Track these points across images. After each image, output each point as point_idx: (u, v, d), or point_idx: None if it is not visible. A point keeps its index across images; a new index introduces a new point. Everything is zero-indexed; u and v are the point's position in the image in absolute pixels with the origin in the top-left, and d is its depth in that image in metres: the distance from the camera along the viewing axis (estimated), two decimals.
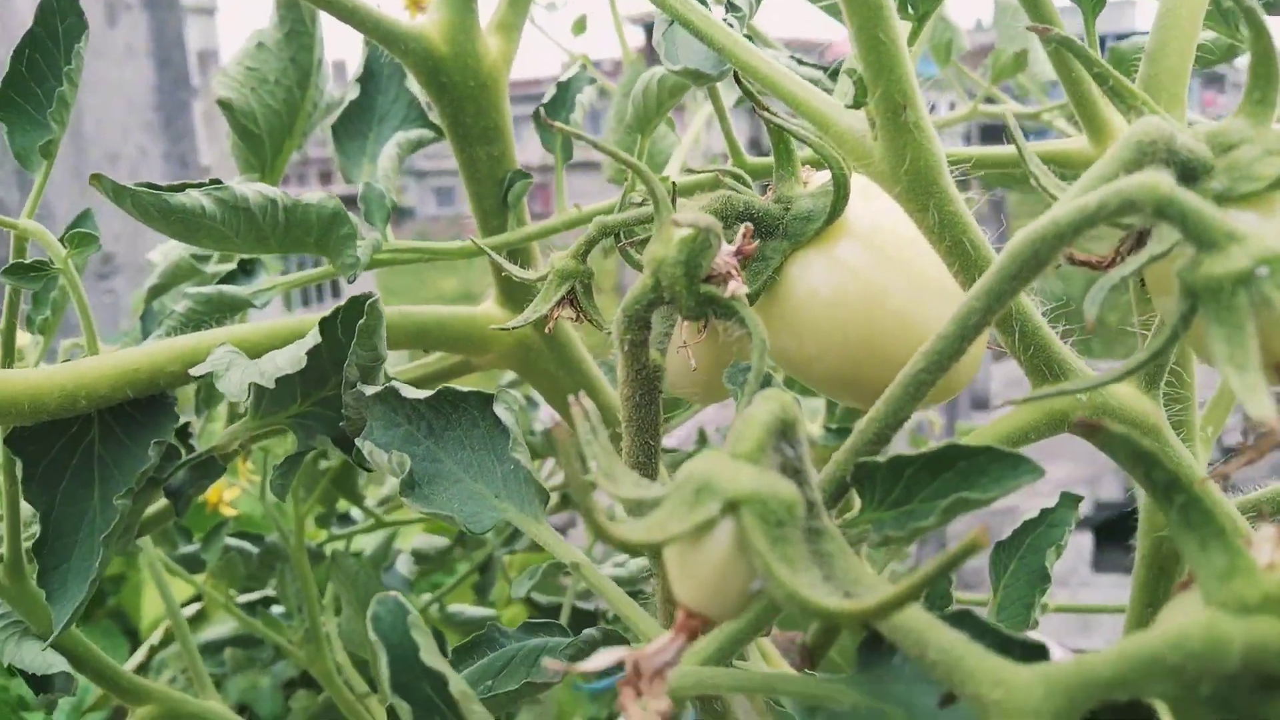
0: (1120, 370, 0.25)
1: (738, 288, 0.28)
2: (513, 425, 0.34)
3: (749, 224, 0.31)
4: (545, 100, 0.59)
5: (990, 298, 0.26)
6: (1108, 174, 0.26)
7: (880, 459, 0.27)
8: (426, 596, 1.10)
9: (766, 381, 0.27)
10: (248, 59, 0.62)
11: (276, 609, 0.95)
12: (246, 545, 0.86)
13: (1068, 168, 0.57)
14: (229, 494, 0.85)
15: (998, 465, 0.27)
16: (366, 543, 1.05)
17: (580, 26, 1.05)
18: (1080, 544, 5.33)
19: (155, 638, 1.04)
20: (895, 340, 0.37)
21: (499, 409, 0.35)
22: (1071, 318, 0.39)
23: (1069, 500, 0.66)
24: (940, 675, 0.20)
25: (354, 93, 0.62)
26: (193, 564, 0.84)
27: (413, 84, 0.63)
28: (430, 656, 0.25)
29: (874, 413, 0.28)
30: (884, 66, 0.29)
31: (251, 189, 0.43)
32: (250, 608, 0.92)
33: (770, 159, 0.59)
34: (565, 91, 0.60)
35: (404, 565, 1.03)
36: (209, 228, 0.41)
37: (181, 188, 0.41)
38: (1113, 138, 0.53)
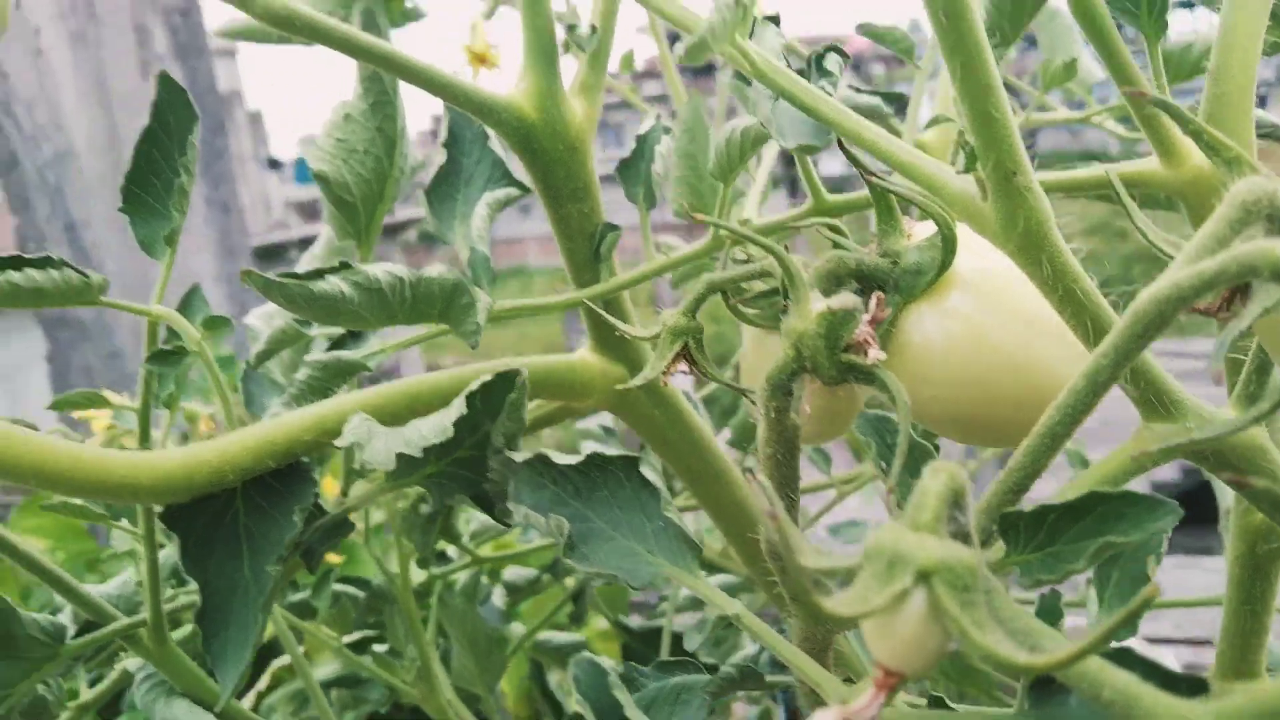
0: (1249, 417, 0.27)
1: (878, 355, 0.30)
2: (660, 484, 0.37)
3: (880, 293, 0.34)
4: (626, 154, 0.62)
5: (1118, 354, 0.29)
6: (1219, 234, 0.28)
7: (1024, 508, 0.29)
8: (521, 628, 1.13)
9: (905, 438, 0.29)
10: (337, 131, 0.66)
11: (377, 647, 0.98)
12: (352, 590, 0.89)
13: (1141, 188, 0.59)
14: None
15: (1135, 509, 0.29)
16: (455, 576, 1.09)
17: (628, 64, 1.08)
18: None
19: (262, 684, 1.08)
20: (1009, 381, 0.39)
21: (645, 470, 0.37)
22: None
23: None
24: (1117, 714, 0.22)
25: (441, 157, 0.65)
26: (303, 611, 0.87)
27: (495, 144, 0.66)
28: (632, 712, 0.27)
29: (1014, 464, 0.30)
30: (995, 138, 0.31)
31: (381, 270, 0.46)
32: (350, 650, 0.96)
33: (847, 196, 0.62)
34: (644, 144, 0.62)
35: (498, 598, 1.06)
36: (348, 310, 0.45)
37: (320, 274, 0.44)
38: (1184, 158, 0.55)
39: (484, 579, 1.11)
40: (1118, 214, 0.62)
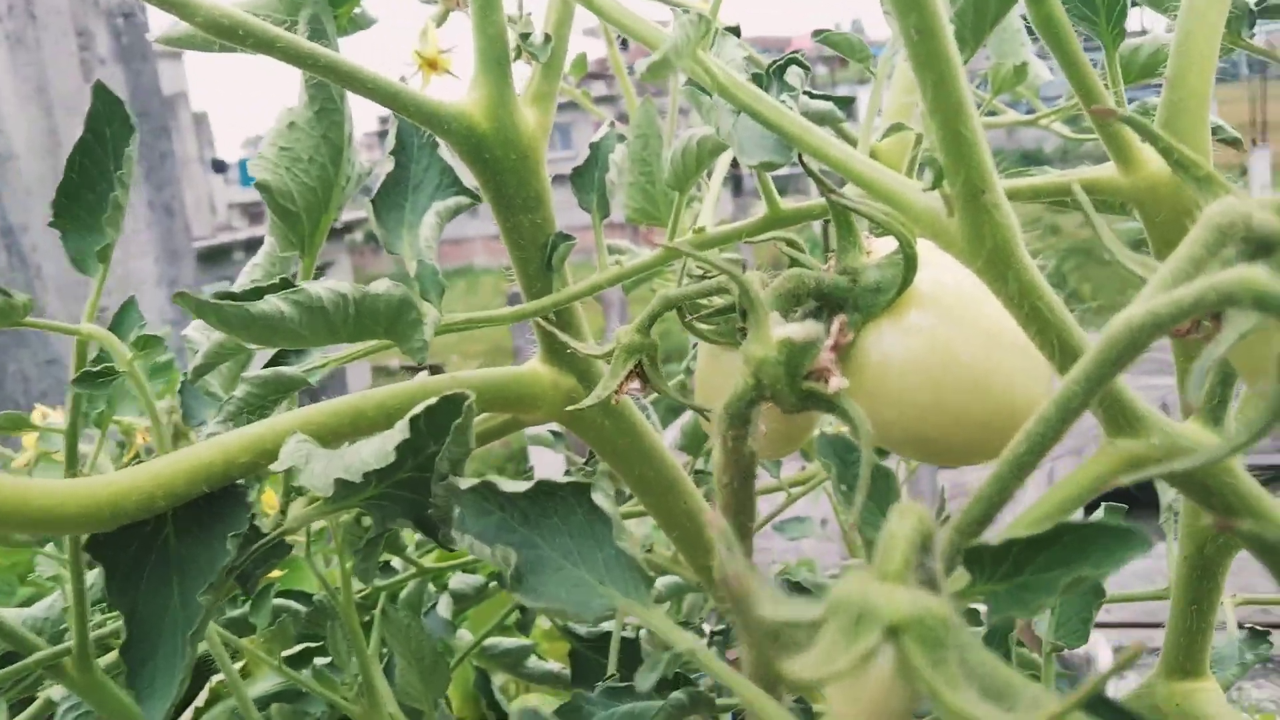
0: (1227, 448, 0.26)
1: (840, 383, 0.29)
2: (613, 512, 0.35)
3: (843, 317, 0.32)
4: (580, 161, 0.60)
5: (1091, 381, 0.27)
6: (1193, 256, 0.27)
7: (991, 542, 0.28)
8: (467, 634, 1.11)
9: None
10: (281, 139, 0.63)
11: (319, 660, 0.96)
12: (294, 604, 0.86)
13: (1097, 195, 0.58)
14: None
15: (1105, 538, 0.28)
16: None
17: (580, 67, 1.06)
18: None
19: (200, 699, 1.05)
20: (974, 400, 0.38)
21: (596, 496, 0.36)
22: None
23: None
24: None
25: (388, 165, 0.63)
26: (241, 628, 0.85)
27: (445, 151, 0.64)
28: None
29: (980, 493, 0.29)
30: (965, 156, 0.30)
31: (323, 287, 0.44)
32: (292, 661, 0.93)
33: (801, 205, 0.60)
34: (598, 152, 0.61)
35: (444, 607, 1.04)
36: (288, 330, 0.42)
37: (259, 294, 0.42)
38: (1141, 166, 0.55)
39: (430, 587, 1.09)
40: (1051, 210, 0.61)
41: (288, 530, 0.53)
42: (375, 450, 0.40)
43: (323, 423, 0.52)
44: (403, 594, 1.02)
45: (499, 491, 0.37)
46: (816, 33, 0.62)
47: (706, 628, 1.08)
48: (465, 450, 0.40)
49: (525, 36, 0.56)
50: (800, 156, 0.36)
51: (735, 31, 0.41)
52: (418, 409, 0.39)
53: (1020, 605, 0.28)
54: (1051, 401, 0.28)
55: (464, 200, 0.62)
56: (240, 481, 0.51)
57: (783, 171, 0.56)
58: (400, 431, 0.40)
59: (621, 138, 0.62)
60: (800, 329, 0.28)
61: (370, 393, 0.54)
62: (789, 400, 0.29)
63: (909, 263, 0.37)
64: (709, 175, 0.69)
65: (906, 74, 0.61)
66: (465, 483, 0.37)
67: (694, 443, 0.95)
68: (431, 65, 0.80)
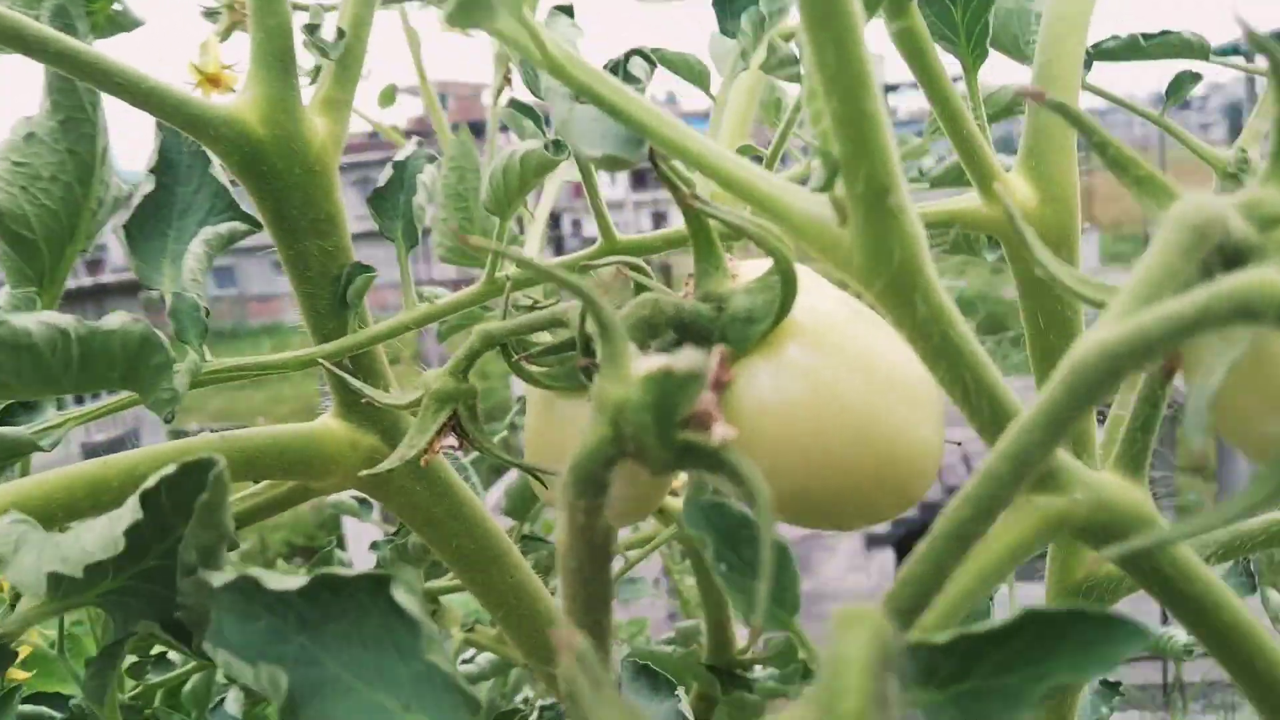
0: (1210, 519, 0.20)
1: (726, 433, 0.21)
2: (421, 616, 0.26)
3: (724, 348, 0.25)
4: (381, 182, 0.52)
5: (1053, 425, 0.21)
6: (1169, 264, 0.21)
7: (938, 640, 0.21)
8: None
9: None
10: (15, 154, 0.52)
11: None
12: (46, 711, 0.72)
13: (960, 226, 0.54)
14: (20, 651, 0.73)
15: (1087, 629, 0.21)
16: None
17: (389, 97, 0.98)
18: (883, 561, 5.51)
19: None
20: (865, 451, 0.31)
21: (398, 593, 0.27)
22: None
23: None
24: None
25: (148, 185, 0.53)
26: None
27: (219, 170, 0.54)
28: None
29: (910, 574, 0.22)
30: (868, 145, 0.24)
31: (34, 320, 0.33)
32: None
33: (641, 236, 0.53)
34: (403, 171, 0.53)
35: (234, 703, 0.91)
36: None
37: None
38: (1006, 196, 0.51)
39: (220, 678, 0.95)
40: None
41: (9, 635, 0.42)
42: (101, 536, 0.30)
43: (50, 496, 0.41)
44: (186, 689, 0.88)
45: (266, 590, 0.28)
46: (653, 52, 0.56)
47: (535, 702, 0.99)
48: (218, 533, 0.30)
49: (312, 30, 0.47)
50: (651, 151, 0.29)
51: (568, 11, 0.34)
52: (152, 480, 0.30)
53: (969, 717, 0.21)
54: (999, 454, 0.22)
55: (239, 227, 0.52)
56: None
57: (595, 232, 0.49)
58: (132, 511, 0.30)
59: (432, 158, 0.54)
60: (675, 361, 0.21)
61: (115, 458, 0.44)
62: (659, 456, 0.22)
63: (787, 285, 0.30)
64: (533, 210, 0.61)
65: (745, 80, 0.55)
66: (220, 578, 0.28)
67: (520, 505, 0.86)
68: (213, 82, 0.70)
